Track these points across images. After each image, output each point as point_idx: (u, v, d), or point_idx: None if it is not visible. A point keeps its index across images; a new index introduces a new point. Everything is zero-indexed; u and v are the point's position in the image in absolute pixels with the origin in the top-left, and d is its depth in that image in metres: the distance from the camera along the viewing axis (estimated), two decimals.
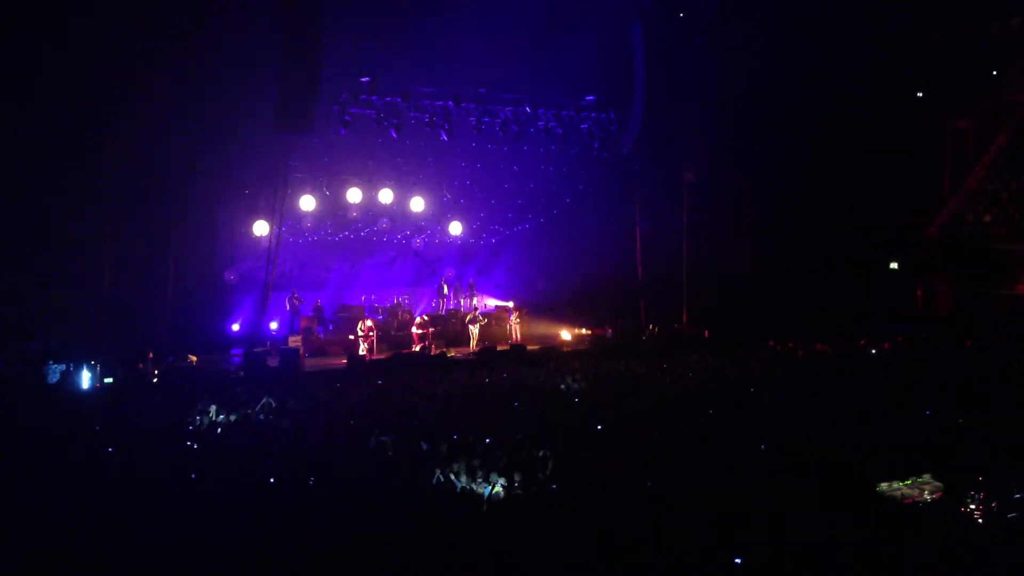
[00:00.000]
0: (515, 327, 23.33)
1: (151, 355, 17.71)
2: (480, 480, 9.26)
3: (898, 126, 25.70)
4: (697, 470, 9.50)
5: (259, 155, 21.38)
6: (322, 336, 22.98)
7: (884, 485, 8.55)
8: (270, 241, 21.92)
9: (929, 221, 25.94)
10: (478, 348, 22.06)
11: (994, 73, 25.43)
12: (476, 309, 23.75)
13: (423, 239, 26.71)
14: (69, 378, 16.55)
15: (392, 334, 22.71)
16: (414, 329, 22.17)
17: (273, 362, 18.94)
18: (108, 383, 16.91)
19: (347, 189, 24.32)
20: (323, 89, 20.22)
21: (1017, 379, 15.68)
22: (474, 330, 22.73)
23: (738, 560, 6.86)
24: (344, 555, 7.35)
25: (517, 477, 9.11)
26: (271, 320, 23.33)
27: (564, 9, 22.63)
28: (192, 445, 11.26)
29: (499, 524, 8.08)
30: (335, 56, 20.19)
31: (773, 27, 24.14)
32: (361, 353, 20.59)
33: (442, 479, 9.37)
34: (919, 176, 26.08)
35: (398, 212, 25.60)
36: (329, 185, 24.22)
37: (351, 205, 24.62)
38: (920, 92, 26.37)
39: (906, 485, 8.52)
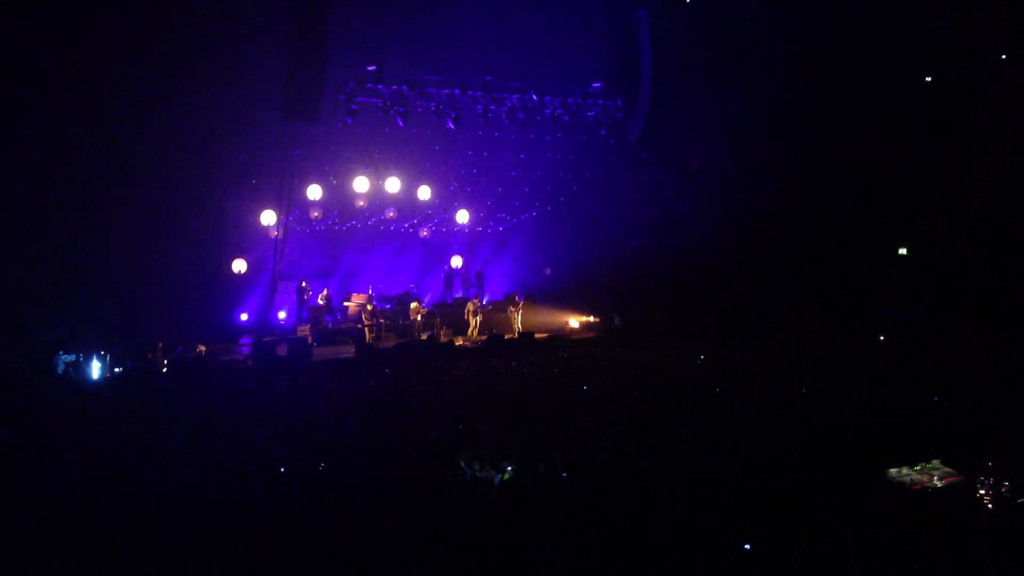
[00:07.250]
0: (517, 317, 23.06)
1: (160, 345, 17.78)
2: (490, 468, 9.28)
3: (906, 110, 25.52)
4: (704, 456, 9.52)
5: (266, 145, 21.46)
6: (330, 325, 23.05)
7: (893, 471, 8.55)
8: (277, 231, 22.01)
9: (938, 206, 25.80)
10: (485, 336, 22.05)
11: (1003, 57, 25.26)
12: (477, 298, 23.59)
13: (430, 228, 26.71)
14: (79, 368, 16.63)
15: (400, 323, 22.75)
16: (421, 318, 22.19)
17: (282, 351, 19.01)
18: (118, 373, 17.00)
19: (354, 178, 24.40)
20: (329, 78, 20.23)
21: None
22: (473, 320, 22.61)
23: (747, 546, 6.89)
24: (354, 543, 7.40)
25: (527, 465, 9.12)
26: (279, 310, 23.41)
27: None
28: (201, 433, 11.33)
29: (509, 512, 8.12)
30: (342, 45, 20.18)
31: (779, 11, 23.99)
32: (369, 342, 20.64)
33: (452, 467, 9.39)
34: (927, 161, 25.92)
35: (405, 201, 25.65)
36: (336, 174, 24.27)
37: (358, 194, 24.67)
38: (928, 76, 26.19)
39: (916, 471, 8.51)
